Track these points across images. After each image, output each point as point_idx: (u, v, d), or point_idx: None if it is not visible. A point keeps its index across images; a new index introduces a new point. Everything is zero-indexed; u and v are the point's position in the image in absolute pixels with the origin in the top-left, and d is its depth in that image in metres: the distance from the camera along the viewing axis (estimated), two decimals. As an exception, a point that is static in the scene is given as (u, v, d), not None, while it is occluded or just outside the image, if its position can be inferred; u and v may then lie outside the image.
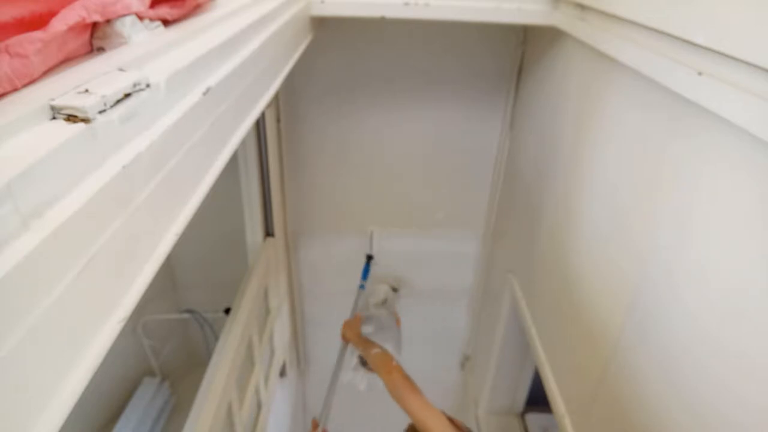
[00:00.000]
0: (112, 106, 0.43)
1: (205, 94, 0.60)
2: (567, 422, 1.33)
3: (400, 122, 2.19)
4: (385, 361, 1.52)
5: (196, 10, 0.79)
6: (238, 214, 2.01)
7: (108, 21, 0.56)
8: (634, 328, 1.02)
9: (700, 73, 0.75)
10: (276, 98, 2.04)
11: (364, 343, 1.72)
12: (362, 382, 2.25)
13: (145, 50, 0.56)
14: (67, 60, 0.52)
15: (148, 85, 0.48)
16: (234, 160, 1.87)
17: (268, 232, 2.13)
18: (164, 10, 0.67)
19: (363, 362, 2.33)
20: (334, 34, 1.91)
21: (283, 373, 2.47)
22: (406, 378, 1.42)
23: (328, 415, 1.68)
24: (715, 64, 0.74)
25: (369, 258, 2.37)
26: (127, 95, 0.45)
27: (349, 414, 2.85)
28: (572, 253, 1.35)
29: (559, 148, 1.49)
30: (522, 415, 2.34)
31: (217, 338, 1.76)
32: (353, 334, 1.84)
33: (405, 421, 1.58)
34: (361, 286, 2.21)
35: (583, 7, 1.26)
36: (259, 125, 1.86)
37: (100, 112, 0.42)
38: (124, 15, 0.57)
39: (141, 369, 2.67)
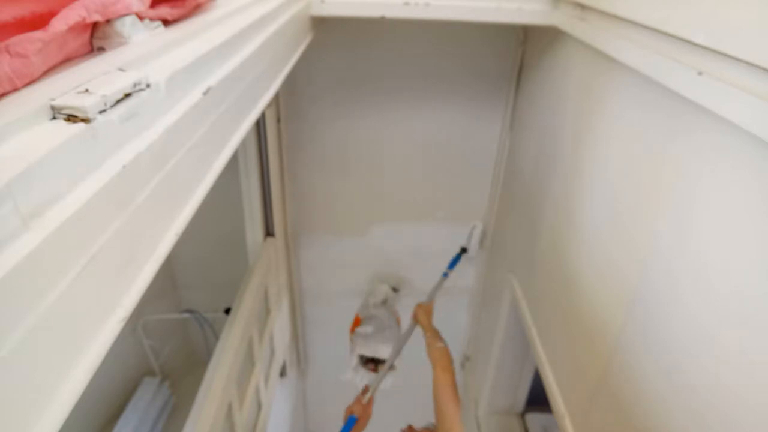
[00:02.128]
0: (112, 106, 0.43)
1: (205, 94, 0.60)
2: (567, 422, 1.33)
3: (400, 122, 2.19)
4: (444, 359, 1.55)
5: (196, 10, 0.79)
6: (238, 214, 2.01)
7: (108, 21, 0.56)
8: (634, 328, 1.02)
9: (700, 73, 0.75)
10: (276, 98, 2.04)
11: (433, 332, 1.72)
12: (362, 382, 2.25)
13: (146, 50, 0.56)
14: (68, 60, 0.52)
15: (148, 85, 0.48)
16: (234, 160, 1.87)
17: (268, 232, 2.13)
18: (164, 10, 0.67)
19: (363, 362, 2.34)
20: (334, 34, 1.91)
21: (283, 373, 2.47)
22: (455, 385, 1.44)
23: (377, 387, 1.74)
24: (715, 64, 0.74)
25: (463, 250, 2.41)
26: (128, 95, 0.45)
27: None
28: (572, 253, 1.35)
29: (559, 147, 1.49)
30: (522, 414, 2.34)
31: (217, 338, 1.76)
32: (426, 319, 1.81)
33: (402, 422, 1.58)
34: (444, 274, 2.25)
35: (583, 7, 1.26)
36: (259, 125, 1.86)
37: (101, 112, 0.42)
38: (125, 15, 0.57)
39: (141, 369, 2.67)
